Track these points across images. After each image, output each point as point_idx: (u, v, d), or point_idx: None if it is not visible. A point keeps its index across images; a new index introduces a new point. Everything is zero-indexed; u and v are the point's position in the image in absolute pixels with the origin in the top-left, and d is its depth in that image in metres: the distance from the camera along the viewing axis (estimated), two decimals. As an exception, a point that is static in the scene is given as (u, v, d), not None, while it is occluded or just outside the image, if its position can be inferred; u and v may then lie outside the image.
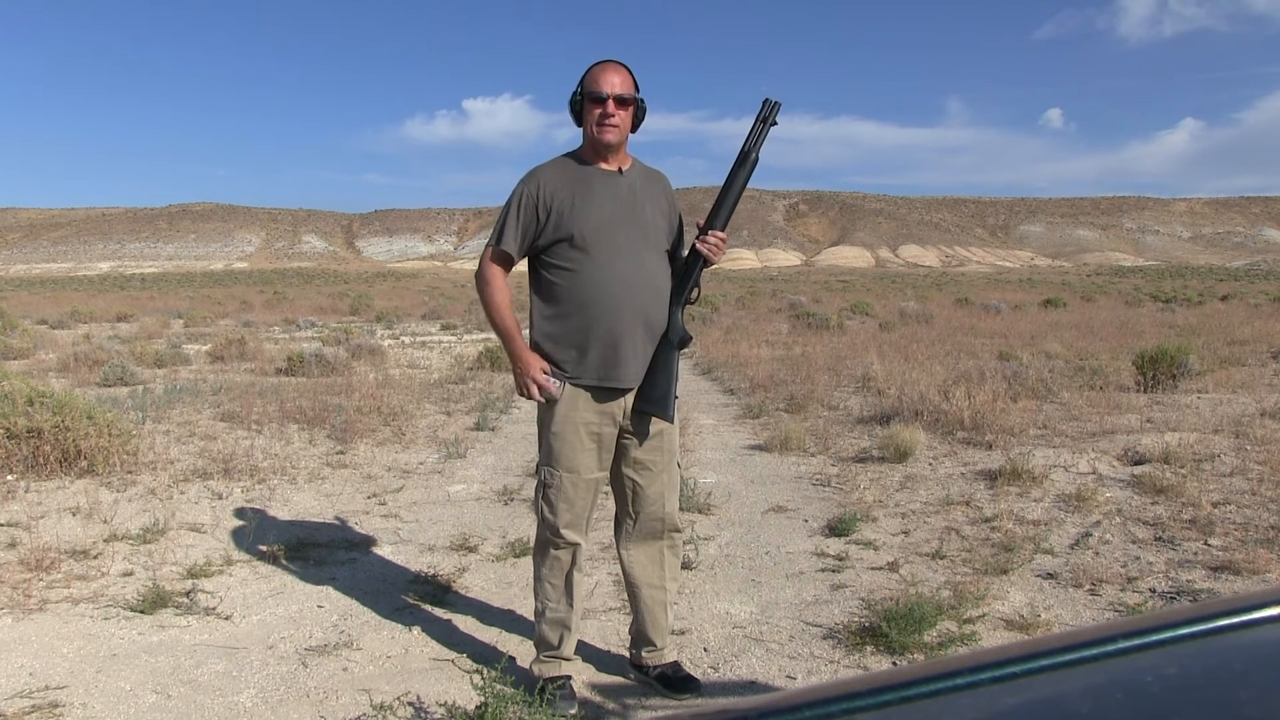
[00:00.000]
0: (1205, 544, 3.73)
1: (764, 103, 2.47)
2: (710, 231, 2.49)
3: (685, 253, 2.59)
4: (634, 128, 2.50)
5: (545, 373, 2.46)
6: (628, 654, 2.80)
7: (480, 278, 2.54)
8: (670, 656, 2.71)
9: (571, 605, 2.58)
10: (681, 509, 4.41)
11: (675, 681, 2.63)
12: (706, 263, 2.51)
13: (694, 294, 2.54)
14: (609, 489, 2.72)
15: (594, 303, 2.42)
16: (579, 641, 2.78)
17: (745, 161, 2.48)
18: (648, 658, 2.70)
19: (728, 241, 2.53)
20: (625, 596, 2.87)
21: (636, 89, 2.46)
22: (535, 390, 2.47)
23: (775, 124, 2.48)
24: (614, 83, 2.40)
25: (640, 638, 2.72)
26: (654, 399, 2.47)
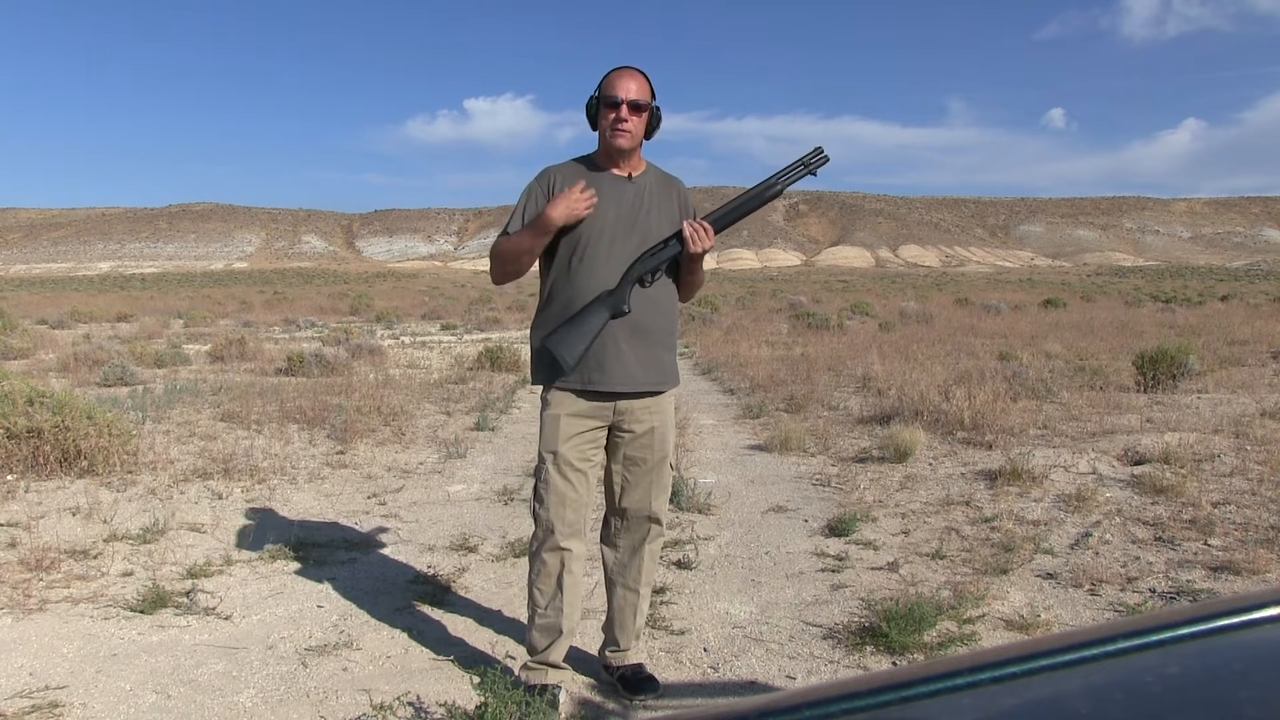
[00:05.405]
0: (1205, 544, 3.73)
1: (815, 150, 2.49)
2: (702, 221, 2.44)
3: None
4: (648, 134, 2.50)
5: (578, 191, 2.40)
6: (597, 653, 2.79)
7: (492, 255, 2.52)
8: (634, 658, 2.70)
9: (563, 610, 2.53)
10: (682, 509, 4.44)
11: (635, 683, 2.62)
12: (688, 250, 2.44)
13: (649, 278, 2.45)
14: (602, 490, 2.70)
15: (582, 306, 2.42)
16: (579, 643, 2.78)
17: (769, 189, 2.49)
18: (611, 658, 2.69)
19: (713, 239, 2.45)
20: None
21: (653, 96, 2.47)
22: (580, 202, 2.38)
23: (814, 175, 2.50)
24: (629, 88, 2.41)
25: (609, 636, 2.72)
26: (564, 342, 2.41)
